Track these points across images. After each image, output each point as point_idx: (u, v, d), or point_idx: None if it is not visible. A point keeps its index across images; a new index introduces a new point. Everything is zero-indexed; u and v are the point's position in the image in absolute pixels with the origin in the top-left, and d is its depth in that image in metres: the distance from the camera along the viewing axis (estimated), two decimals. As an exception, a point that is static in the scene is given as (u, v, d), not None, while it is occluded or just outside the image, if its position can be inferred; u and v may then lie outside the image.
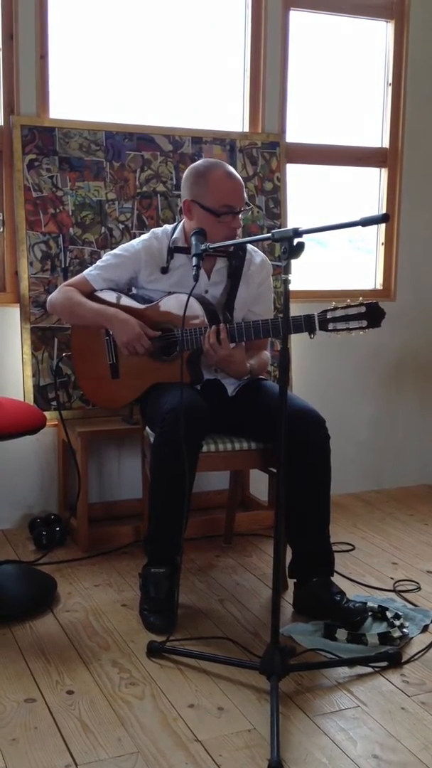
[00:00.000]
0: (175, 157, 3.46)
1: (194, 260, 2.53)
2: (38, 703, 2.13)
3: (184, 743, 1.98)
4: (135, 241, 2.91)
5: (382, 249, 3.99)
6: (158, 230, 2.90)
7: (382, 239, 3.98)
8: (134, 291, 2.91)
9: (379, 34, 3.88)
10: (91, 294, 2.88)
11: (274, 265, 2.98)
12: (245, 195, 2.84)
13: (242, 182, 2.75)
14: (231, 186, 2.71)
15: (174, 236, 2.84)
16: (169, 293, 2.79)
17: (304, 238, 2.11)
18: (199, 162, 2.83)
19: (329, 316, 2.50)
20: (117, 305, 2.82)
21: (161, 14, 3.49)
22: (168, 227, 2.91)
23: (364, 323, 2.48)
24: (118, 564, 3.05)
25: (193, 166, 2.79)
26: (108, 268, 2.89)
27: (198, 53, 3.57)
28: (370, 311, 2.47)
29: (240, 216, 2.75)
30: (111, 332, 2.82)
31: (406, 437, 4.10)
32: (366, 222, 2.07)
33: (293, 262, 2.11)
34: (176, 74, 3.54)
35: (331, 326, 2.50)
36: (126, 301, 2.85)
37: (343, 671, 2.31)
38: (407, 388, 4.07)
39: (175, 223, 2.91)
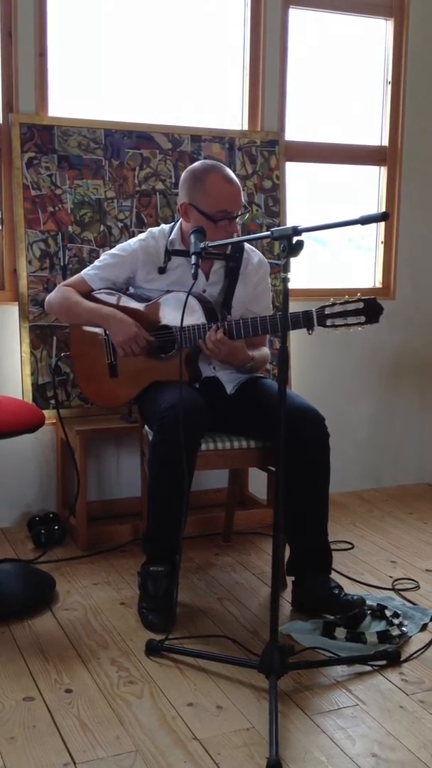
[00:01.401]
0: (174, 155, 3.45)
1: (193, 258, 2.52)
2: (37, 702, 2.13)
3: (182, 742, 1.98)
4: (132, 241, 2.90)
5: (381, 247, 3.98)
6: (155, 230, 2.89)
7: (382, 238, 3.98)
8: (132, 290, 2.91)
9: (379, 32, 3.88)
10: (88, 294, 2.88)
11: (273, 264, 2.97)
12: (243, 198, 2.82)
13: (240, 186, 2.73)
14: (228, 191, 2.69)
15: (171, 237, 2.82)
16: (168, 292, 2.79)
17: (304, 237, 2.10)
18: (196, 164, 2.80)
19: (327, 311, 2.50)
20: (116, 306, 2.82)
21: (161, 12, 3.49)
22: (165, 227, 2.90)
23: (362, 319, 2.48)
24: (116, 562, 3.05)
25: (191, 169, 2.76)
26: (105, 267, 2.88)
27: (197, 51, 3.57)
28: (368, 307, 2.47)
29: (237, 220, 2.74)
30: (107, 332, 2.81)
31: (406, 435, 4.10)
32: (365, 220, 2.07)
33: (292, 260, 2.11)
34: (175, 72, 3.53)
35: (329, 322, 2.50)
36: (125, 300, 2.84)
37: (342, 670, 2.31)
38: (406, 386, 4.07)
39: (172, 223, 2.90)
